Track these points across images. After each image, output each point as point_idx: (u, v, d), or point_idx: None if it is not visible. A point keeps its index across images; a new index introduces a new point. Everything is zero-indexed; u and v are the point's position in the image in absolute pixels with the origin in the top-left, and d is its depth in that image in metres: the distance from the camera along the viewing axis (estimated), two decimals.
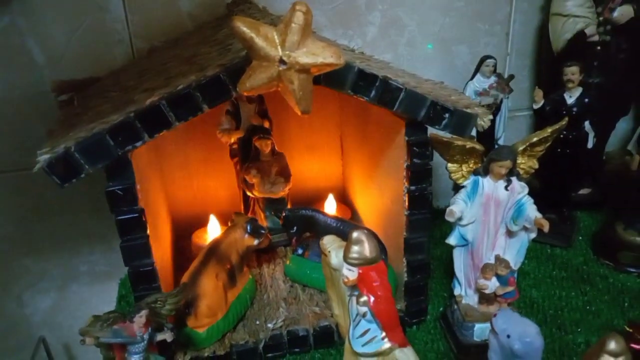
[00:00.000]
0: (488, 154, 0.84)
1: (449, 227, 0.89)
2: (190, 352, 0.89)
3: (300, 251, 1.06)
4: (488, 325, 0.74)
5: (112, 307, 1.07)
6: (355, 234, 0.69)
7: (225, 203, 1.22)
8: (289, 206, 1.14)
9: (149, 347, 0.76)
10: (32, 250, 1.20)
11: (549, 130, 0.84)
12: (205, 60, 0.79)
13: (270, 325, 0.93)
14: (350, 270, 0.69)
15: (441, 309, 0.99)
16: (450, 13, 1.23)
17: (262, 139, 1.08)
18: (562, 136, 1.09)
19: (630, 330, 0.82)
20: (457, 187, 0.90)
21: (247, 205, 1.17)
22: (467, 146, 0.83)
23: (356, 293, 0.71)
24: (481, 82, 1.16)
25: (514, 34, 1.29)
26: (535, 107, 1.11)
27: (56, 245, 1.21)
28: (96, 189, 1.10)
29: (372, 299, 0.69)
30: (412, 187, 0.86)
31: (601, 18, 1.16)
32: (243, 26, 0.65)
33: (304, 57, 0.67)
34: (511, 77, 1.18)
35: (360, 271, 0.69)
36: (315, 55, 0.67)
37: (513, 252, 0.87)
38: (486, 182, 0.84)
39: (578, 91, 1.08)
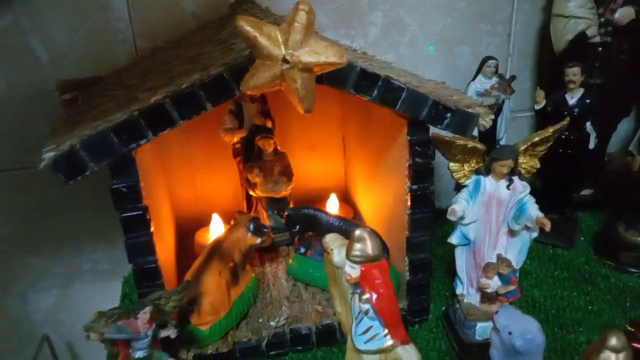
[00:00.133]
0: (490, 153, 0.84)
1: (451, 227, 0.89)
2: (193, 349, 0.89)
3: (302, 250, 1.07)
4: (490, 324, 0.74)
5: (116, 305, 1.08)
6: (357, 232, 0.70)
7: (228, 202, 1.22)
8: (291, 205, 1.14)
9: (152, 343, 0.76)
10: (35, 248, 1.20)
11: (551, 129, 0.85)
12: (208, 60, 0.80)
13: (272, 323, 0.94)
14: (352, 267, 0.70)
15: (443, 308, 0.99)
16: (452, 13, 1.23)
17: (264, 138, 1.09)
18: (563, 137, 1.10)
19: (632, 330, 0.82)
20: (459, 187, 0.90)
21: (250, 204, 1.18)
22: (469, 145, 0.83)
23: (358, 291, 0.71)
24: (483, 82, 1.16)
25: (515, 34, 1.29)
26: (537, 107, 1.12)
27: (59, 244, 1.22)
28: (99, 188, 1.12)
29: (374, 296, 0.69)
30: (414, 186, 0.87)
31: (602, 19, 1.16)
32: (246, 25, 0.65)
33: (306, 56, 0.67)
34: (513, 77, 1.19)
35: (363, 269, 0.69)
36: (318, 54, 0.67)
37: (515, 251, 0.87)
38: (488, 182, 0.84)
39: (579, 92, 1.09)
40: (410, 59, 1.25)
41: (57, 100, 1.04)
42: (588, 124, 1.11)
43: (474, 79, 1.17)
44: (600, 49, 1.18)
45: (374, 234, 0.71)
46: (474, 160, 0.85)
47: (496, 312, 0.64)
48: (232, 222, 1.04)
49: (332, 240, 0.78)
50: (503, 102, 1.18)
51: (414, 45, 1.24)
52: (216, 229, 1.15)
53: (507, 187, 0.83)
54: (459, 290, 0.92)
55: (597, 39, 1.17)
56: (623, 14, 1.13)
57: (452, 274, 0.95)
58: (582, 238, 1.19)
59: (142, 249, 0.80)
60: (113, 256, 1.25)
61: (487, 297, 0.87)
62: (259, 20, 0.67)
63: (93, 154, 0.72)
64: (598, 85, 1.17)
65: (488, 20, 1.26)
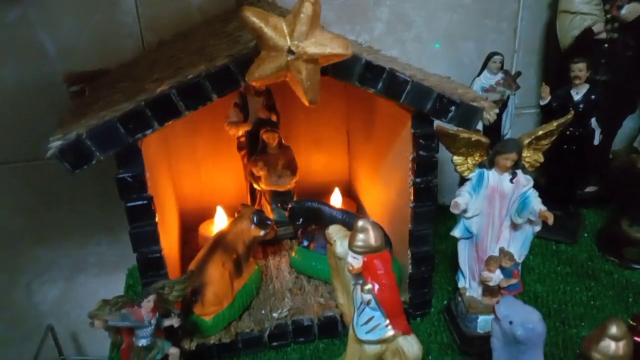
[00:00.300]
0: (494, 147, 0.84)
1: (454, 223, 0.89)
2: (196, 339, 0.90)
3: (305, 243, 1.07)
4: (492, 317, 0.74)
5: None
6: (360, 223, 0.70)
7: (232, 195, 1.23)
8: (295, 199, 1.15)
9: (156, 332, 0.77)
10: (41, 240, 1.21)
11: (555, 124, 0.85)
12: (214, 51, 0.80)
13: (275, 315, 0.95)
14: (355, 258, 0.70)
15: (445, 302, 1.00)
16: (458, 9, 1.23)
17: (269, 132, 1.09)
18: (568, 132, 1.10)
19: (634, 324, 0.82)
20: (463, 183, 0.90)
21: (254, 197, 1.18)
22: (473, 139, 0.83)
23: (360, 281, 0.72)
24: (488, 78, 1.16)
25: (521, 30, 1.29)
26: (542, 103, 1.12)
27: (65, 236, 1.22)
28: (105, 181, 1.13)
29: (376, 286, 0.70)
30: (418, 180, 0.87)
31: (609, 15, 1.16)
32: (253, 16, 0.66)
33: (312, 47, 0.67)
34: (518, 73, 1.19)
35: (365, 259, 0.70)
36: (324, 46, 0.68)
37: (517, 245, 0.87)
38: (491, 175, 0.84)
39: (585, 88, 1.09)
40: (416, 55, 1.25)
41: (65, 93, 1.05)
42: (593, 120, 1.11)
43: (479, 74, 1.17)
44: (606, 45, 1.18)
45: (376, 225, 0.72)
46: (478, 154, 0.85)
47: (497, 302, 0.64)
48: (236, 215, 1.05)
49: (335, 232, 0.79)
50: (508, 98, 1.18)
51: (419, 41, 1.25)
52: (220, 221, 1.16)
53: (511, 180, 0.83)
54: (461, 284, 0.93)
55: (603, 35, 1.17)
56: (630, 11, 1.13)
57: (454, 268, 0.96)
58: (586, 234, 1.19)
59: (146, 238, 0.81)
60: (118, 249, 1.25)
61: (489, 291, 0.88)
62: (265, 11, 0.68)
63: (99, 143, 0.72)
64: (604, 82, 1.17)
65: (494, 17, 1.26)
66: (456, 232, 0.89)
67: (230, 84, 0.74)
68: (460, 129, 0.84)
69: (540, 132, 0.84)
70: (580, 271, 1.08)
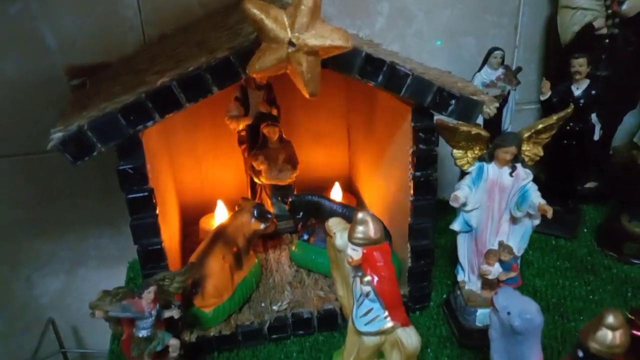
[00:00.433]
0: (493, 140, 0.85)
1: (454, 217, 0.90)
2: (196, 331, 0.91)
3: (305, 237, 1.07)
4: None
5: None
6: (360, 215, 0.70)
7: (232, 190, 1.23)
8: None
9: (156, 323, 0.78)
10: (42, 233, 1.22)
11: (555, 117, 0.85)
12: (215, 44, 0.80)
13: (275, 308, 0.95)
14: (354, 250, 0.71)
15: (444, 296, 1.00)
16: (458, 5, 1.23)
17: (270, 126, 1.10)
18: (568, 128, 1.10)
19: (632, 318, 0.82)
20: (464, 177, 0.90)
21: (255, 191, 1.19)
22: (473, 132, 0.84)
23: (360, 273, 0.72)
24: (489, 73, 1.17)
25: (522, 26, 1.29)
26: (542, 98, 1.12)
27: (66, 229, 1.23)
28: (106, 175, 1.13)
29: (375, 278, 0.70)
30: (418, 173, 0.87)
31: (609, 11, 1.16)
32: (254, 8, 0.66)
33: (312, 39, 0.68)
34: (519, 69, 1.19)
35: (365, 251, 0.70)
36: (324, 38, 0.68)
37: (517, 239, 0.87)
38: (491, 168, 0.85)
39: (585, 83, 1.09)
40: (416, 50, 1.25)
41: (66, 87, 1.05)
42: (593, 116, 1.11)
43: (479, 69, 1.17)
44: (607, 40, 1.18)
45: (376, 217, 0.72)
46: (478, 147, 0.85)
47: (495, 293, 0.65)
48: (236, 209, 1.05)
49: (335, 224, 0.79)
50: (509, 93, 1.18)
51: (419, 36, 1.25)
52: (221, 215, 1.16)
53: (510, 174, 0.83)
54: (460, 277, 0.93)
55: (604, 31, 1.17)
56: (631, 6, 1.13)
57: (454, 263, 0.96)
58: (585, 230, 1.19)
59: (147, 230, 0.81)
60: (119, 242, 1.26)
61: (488, 284, 0.88)
62: (266, 3, 0.68)
63: (100, 135, 0.73)
64: (604, 77, 1.17)
65: (494, 12, 1.26)
66: (455, 226, 0.89)
67: (231, 76, 0.74)
68: (460, 122, 0.84)
69: (540, 126, 0.84)
70: (580, 266, 1.08)
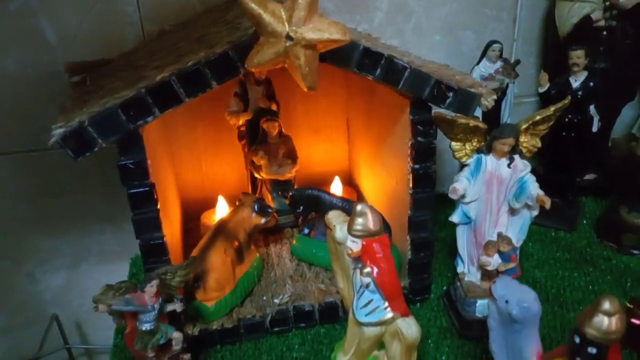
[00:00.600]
0: (491, 132, 0.85)
1: (453, 211, 0.90)
2: (199, 324, 0.92)
3: (306, 231, 1.08)
4: None
5: None
6: (359, 207, 0.71)
7: (233, 185, 1.24)
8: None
9: (159, 316, 0.78)
10: (44, 229, 1.22)
11: (552, 108, 0.85)
12: (214, 39, 0.81)
13: (276, 301, 0.96)
14: (354, 242, 0.71)
15: (444, 287, 1.01)
16: None
17: (269, 121, 1.10)
18: (567, 120, 1.11)
19: (631, 306, 0.83)
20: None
21: (255, 186, 1.19)
22: (471, 124, 0.84)
23: (360, 265, 0.73)
24: (487, 67, 1.17)
25: (520, 19, 1.29)
26: (541, 90, 1.12)
27: (68, 225, 1.24)
28: (107, 170, 1.14)
29: (375, 269, 0.70)
30: (416, 166, 0.88)
31: (607, 3, 1.16)
32: (251, 2, 0.66)
33: (310, 33, 0.68)
34: (517, 62, 1.19)
35: (364, 243, 0.70)
36: (321, 31, 0.68)
37: (515, 230, 0.88)
38: (489, 160, 0.85)
39: (583, 75, 1.09)
40: (415, 45, 1.25)
41: (66, 83, 1.06)
42: (591, 107, 1.12)
43: (478, 63, 1.17)
44: (604, 33, 1.18)
45: (375, 209, 0.72)
46: (476, 139, 0.86)
47: (494, 282, 0.65)
48: (237, 204, 1.06)
49: (334, 217, 0.80)
50: (507, 86, 1.19)
51: (418, 31, 1.25)
52: (222, 211, 1.17)
53: (508, 165, 0.84)
54: (460, 269, 0.94)
55: (602, 23, 1.17)
56: None
57: (454, 255, 0.97)
58: (585, 222, 1.20)
59: (149, 225, 0.82)
60: (120, 238, 1.27)
61: (488, 275, 0.89)
62: None
63: (101, 130, 0.73)
64: (602, 69, 1.18)
65: (493, 6, 1.27)
66: (455, 218, 0.89)
67: (229, 71, 0.75)
68: (458, 114, 0.84)
69: (538, 117, 0.85)
70: (579, 257, 1.09)
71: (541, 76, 1.11)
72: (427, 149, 0.87)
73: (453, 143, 0.87)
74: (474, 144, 0.86)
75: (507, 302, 0.62)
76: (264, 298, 0.97)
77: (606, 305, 0.52)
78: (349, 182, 1.31)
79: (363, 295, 0.73)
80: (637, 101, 1.34)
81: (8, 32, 1.04)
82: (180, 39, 0.95)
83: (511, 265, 0.86)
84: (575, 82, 1.10)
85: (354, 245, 0.71)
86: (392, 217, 1.00)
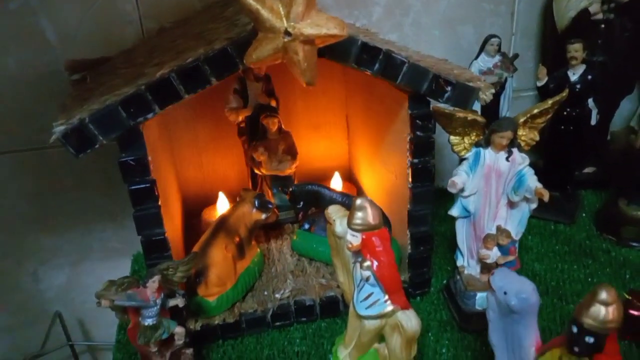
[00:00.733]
0: (489, 126, 0.86)
1: (453, 205, 0.90)
2: (201, 319, 0.92)
3: (306, 226, 1.09)
4: None
5: None
6: (358, 201, 0.71)
7: (233, 181, 1.24)
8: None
9: (161, 312, 0.79)
10: (46, 227, 1.23)
11: (550, 102, 0.86)
12: (213, 35, 0.81)
13: (278, 296, 0.96)
14: (354, 236, 0.72)
15: (444, 281, 1.01)
16: None
17: (269, 117, 1.11)
18: (565, 113, 1.11)
19: (630, 298, 0.84)
20: None
21: (255, 182, 1.20)
22: (469, 118, 0.84)
23: (360, 259, 0.73)
24: (486, 61, 1.17)
25: (518, 13, 1.29)
26: (539, 84, 1.12)
27: (70, 223, 1.24)
28: (108, 168, 1.15)
29: (375, 263, 0.71)
30: (415, 160, 0.88)
31: None
32: None
33: (308, 28, 0.68)
34: (516, 56, 1.20)
35: (364, 237, 0.71)
36: (320, 27, 0.69)
37: (514, 223, 0.88)
38: (488, 154, 0.85)
39: (581, 68, 1.10)
40: (414, 39, 1.26)
41: (67, 80, 1.06)
42: (590, 101, 1.12)
43: (477, 57, 1.18)
44: (602, 26, 1.18)
45: (374, 203, 0.73)
46: (474, 133, 0.86)
47: (492, 273, 0.66)
48: (237, 200, 1.06)
49: (334, 212, 0.80)
50: (506, 80, 1.19)
51: (417, 26, 1.25)
52: (223, 207, 1.17)
53: (507, 158, 0.84)
54: (459, 262, 0.94)
55: (600, 16, 1.17)
56: None
57: (453, 250, 0.97)
58: (584, 215, 1.20)
59: (150, 221, 0.82)
60: (122, 235, 1.27)
61: (487, 268, 0.89)
62: None
63: (102, 127, 0.74)
64: (600, 63, 1.18)
65: (491, 0, 1.27)
66: (454, 211, 0.90)
67: (229, 67, 0.75)
68: (456, 109, 0.85)
69: (536, 111, 0.85)
70: (578, 250, 1.09)
71: (539, 70, 1.12)
72: (426, 143, 0.87)
73: (452, 137, 0.88)
74: (473, 137, 0.87)
75: (505, 293, 0.62)
76: (265, 293, 0.98)
77: (603, 294, 0.53)
78: (349, 177, 1.32)
79: (363, 289, 0.74)
80: (636, 94, 1.34)
81: (8, 31, 1.05)
82: (180, 36, 0.95)
83: (510, 258, 0.86)
84: (574, 75, 1.10)
85: (354, 239, 0.72)
86: (392, 211, 1.00)
